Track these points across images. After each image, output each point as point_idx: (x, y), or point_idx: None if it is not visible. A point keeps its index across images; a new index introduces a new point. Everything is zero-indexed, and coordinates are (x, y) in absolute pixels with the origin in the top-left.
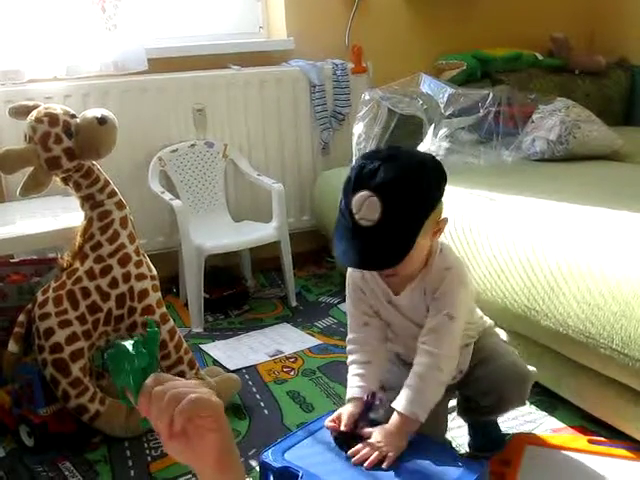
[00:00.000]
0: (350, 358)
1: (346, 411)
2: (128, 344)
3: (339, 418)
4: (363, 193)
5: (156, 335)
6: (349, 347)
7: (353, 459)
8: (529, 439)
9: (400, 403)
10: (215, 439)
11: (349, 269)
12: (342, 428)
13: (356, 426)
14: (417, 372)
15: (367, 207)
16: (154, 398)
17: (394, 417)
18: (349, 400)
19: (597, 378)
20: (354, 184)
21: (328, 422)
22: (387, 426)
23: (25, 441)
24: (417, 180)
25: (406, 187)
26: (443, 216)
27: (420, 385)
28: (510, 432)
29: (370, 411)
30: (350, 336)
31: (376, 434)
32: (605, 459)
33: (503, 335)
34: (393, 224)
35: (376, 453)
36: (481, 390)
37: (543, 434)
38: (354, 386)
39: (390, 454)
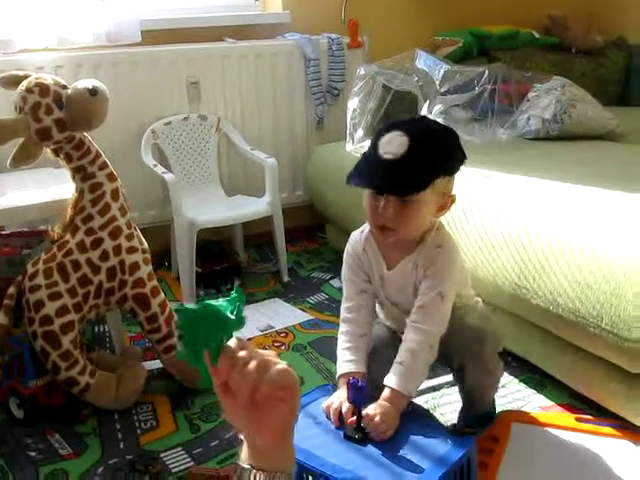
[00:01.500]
0: (344, 327)
1: (341, 402)
2: (224, 307)
3: (338, 411)
4: (394, 132)
5: (243, 299)
6: (345, 315)
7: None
8: (516, 416)
9: (392, 380)
10: (286, 410)
11: (350, 242)
12: (346, 423)
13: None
14: (408, 348)
15: (395, 143)
16: (240, 362)
17: (387, 394)
18: (341, 376)
19: (586, 357)
20: (387, 127)
21: (334, 420)
22: (382, 403)
23: (15, 413)
24: (444, 138)
25: (434, 138)
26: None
27: (412, 362)
28: (499, 410)
29: (361, 394)
30: (347, 304)
31: (375, 413)
32: (592, 437)
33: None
34: (415, 161)
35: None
36: (445, 354)
37: (531, 411)
38: (347, 360)
39: (389, 432)
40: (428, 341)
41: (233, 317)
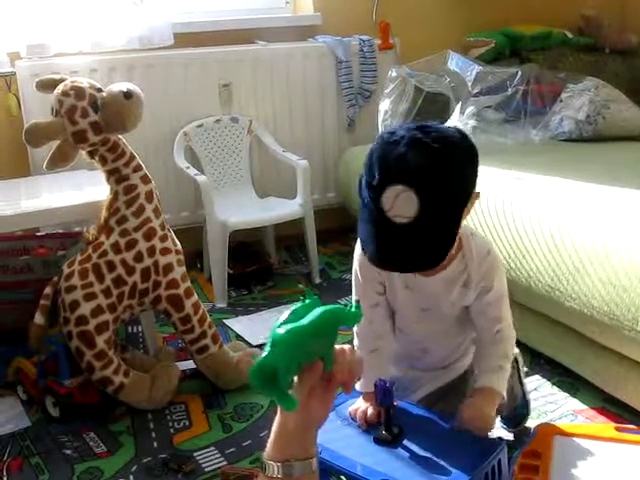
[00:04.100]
0: (355, 342)
1: (367, 406)
2: (323, 312)
3: (365, 415)
4: (395, 187)
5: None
6: (355, 329)
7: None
8: (556, 429)
9: (494, 382)
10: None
11: (358, 245)
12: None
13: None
14: (502, 354)
15: (402, 202)
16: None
17: (486, 394)
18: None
19: (620, 360)
20: (381, 177)
21: (361, 422)
22: (480, 402)
23: (50, 411)
24: (452, 164)
25: (442, 174)
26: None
27: (507, 365)
28: (532, 413)
29: (388, 397)
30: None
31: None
32: (636, 447)
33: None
34: (433, 218)
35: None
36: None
37: (565, 417)
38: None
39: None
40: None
41: (352, 310)
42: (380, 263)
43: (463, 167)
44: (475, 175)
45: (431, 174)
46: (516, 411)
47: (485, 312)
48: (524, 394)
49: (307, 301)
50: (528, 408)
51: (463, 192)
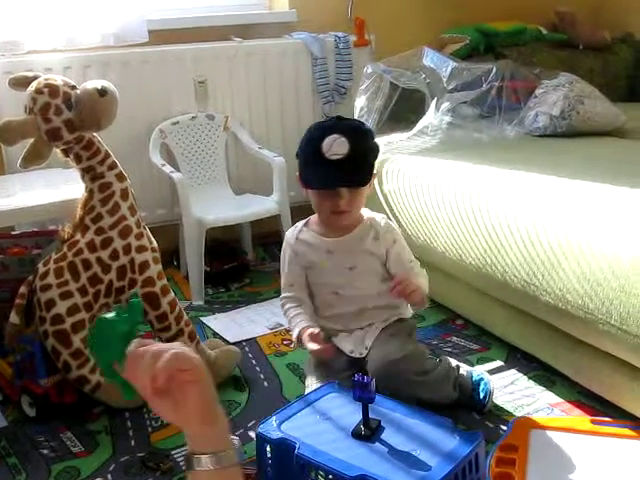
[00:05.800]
0: (285, 307)
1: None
2: (107, 314)
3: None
4: (332, 136)
5: (138, 304)
6: (282, 302)
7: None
8: (533, 423)
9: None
10: (196, 391)
11: (287, 237)
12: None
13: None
14: (415, 266)
15: (337, 145)
16: (137, 357)
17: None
18: (303, 329)
19: (595, 353)
20: (319, 133)
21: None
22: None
23: (27, 411)
24: (366, 131)
25: (363, 131)
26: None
27: (417, 270)
28: (508, 407)
29: (366, 392)
30: (283, 294)
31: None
32: (611, 440)
33: None
34: (358, 155)
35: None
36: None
37: (541, 411)
38: (300, 320)
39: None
40: (424, 275)
41: (115, 319)
42: (325, 184)
43: (371, 136)
44: (377, 150)
45: (356, 129)
46: (472, 379)
47: (398, 257)
48: (471, 375)
49: (132, 301)
50: (482, 376)
51: (375, 148)
